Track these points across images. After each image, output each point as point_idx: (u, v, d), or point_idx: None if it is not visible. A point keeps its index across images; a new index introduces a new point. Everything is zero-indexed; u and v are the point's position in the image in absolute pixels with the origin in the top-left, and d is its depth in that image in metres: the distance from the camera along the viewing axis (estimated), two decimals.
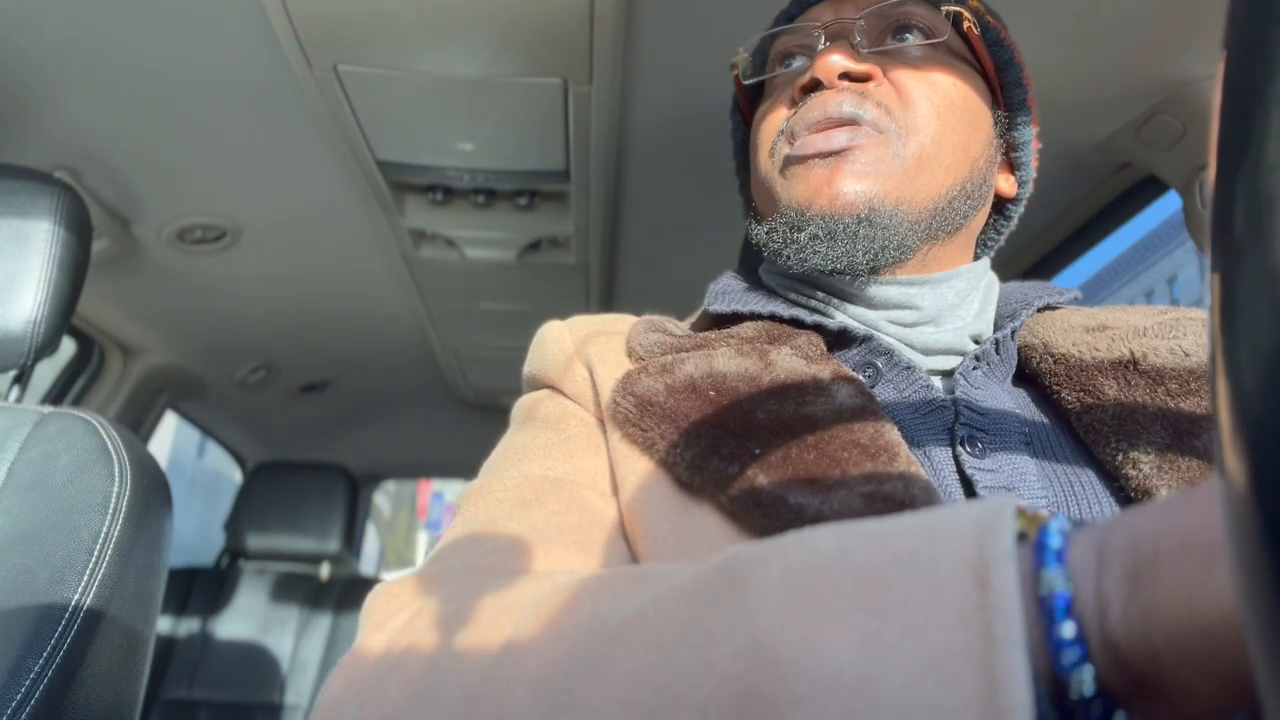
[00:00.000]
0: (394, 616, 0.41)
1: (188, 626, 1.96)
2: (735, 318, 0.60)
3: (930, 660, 0.22)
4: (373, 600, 0.44)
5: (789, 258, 0.56)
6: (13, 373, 0.85)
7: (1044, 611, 0.24)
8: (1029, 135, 0.63)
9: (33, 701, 0.63)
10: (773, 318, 0.58)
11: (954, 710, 0.21)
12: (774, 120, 0.60)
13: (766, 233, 0.58)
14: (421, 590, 0.43)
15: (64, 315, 0.84)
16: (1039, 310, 0.60)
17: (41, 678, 0.64)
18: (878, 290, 0.56)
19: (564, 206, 1.28)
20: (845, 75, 0.56)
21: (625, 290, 1.60)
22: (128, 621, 0.73)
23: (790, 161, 0.56)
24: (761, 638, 0.25)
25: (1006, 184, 0.63)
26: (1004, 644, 0.22)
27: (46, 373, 1.28)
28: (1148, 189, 1.11)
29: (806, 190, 0.55)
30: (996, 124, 0.60)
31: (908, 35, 0.58)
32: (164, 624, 1.94)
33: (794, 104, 0.58)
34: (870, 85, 0.56)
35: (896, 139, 0.54)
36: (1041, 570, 0.24)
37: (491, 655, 0.34)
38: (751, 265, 0.72)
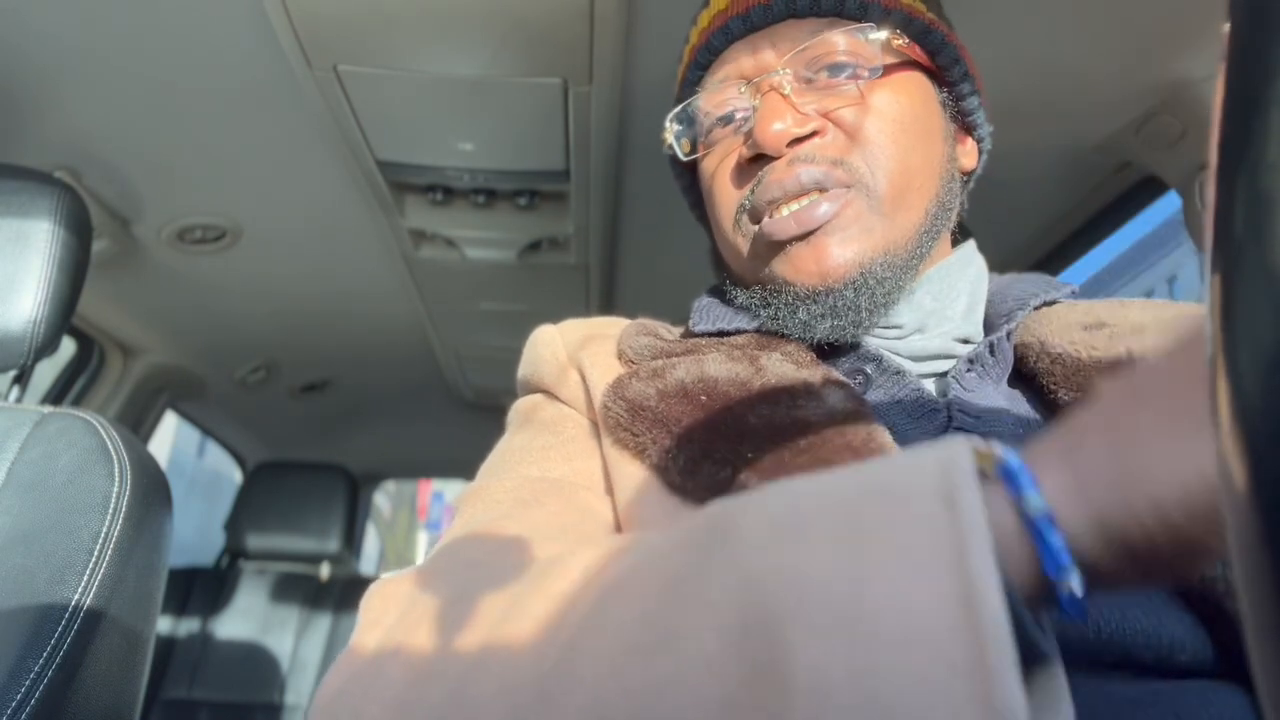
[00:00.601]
0: (390, 611, 0.41)
1: (188, 626, 1.96)
2: (721, 333, 0.60)
3: (911, 568, 0.25)
4: (369, 598, 0.44)
5: (790, 329, 0.55)
6: (13, 373, 0.85)
7: (1031, 528, 0.27)
8: (976, 101, 0.61)
9: (33, 702, 0.63)
10: (759, 332, 0.57)
11: (935, 609, 0.24)
12: (727, 193, 0.58)
13: (756, 302, 0.57)
14: (419, 585, 0.43)
15: (64, 315, 0.84)
16: (1036, 307, 0.59)
17: (41, 678, 0.64)
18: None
19: (564, 206, 1.28)
20: (793, 142, 0.54)
21: (625, 290, 1.60)
22: (128, 621, 0.73)
23: (765, 243, 0.55)
24: (753, 572, 0.28)
25: (967, 157, 0.62)
26: (974, 549, 0.25)
27: (46, 373, 1.28)
28: (1148, 189, 1.11)
29: (793, 272, 0.54)
30: (945, 108, 0.59)
31: (839, 71, 0.55)
32: (164, 624, 1.94)
33: (741, 171, 0.57)
34: (817, 140, 0.54)
35: (863, 186, 0.53)
36: (1022, 494, 0.28)
37: (493, 625, 0.35)
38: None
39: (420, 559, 0.50)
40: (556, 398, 0.59)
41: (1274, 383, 0.14)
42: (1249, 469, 0.15)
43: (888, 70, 0.55)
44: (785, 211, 0.53)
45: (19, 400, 0.87)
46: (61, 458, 0.75)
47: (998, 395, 0.54)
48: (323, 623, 1.99)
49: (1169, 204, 1.07)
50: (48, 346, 0.83)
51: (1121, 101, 0.97)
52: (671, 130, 0.62)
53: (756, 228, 0.55)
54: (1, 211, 0.82)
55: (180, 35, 0.92)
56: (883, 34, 0.55)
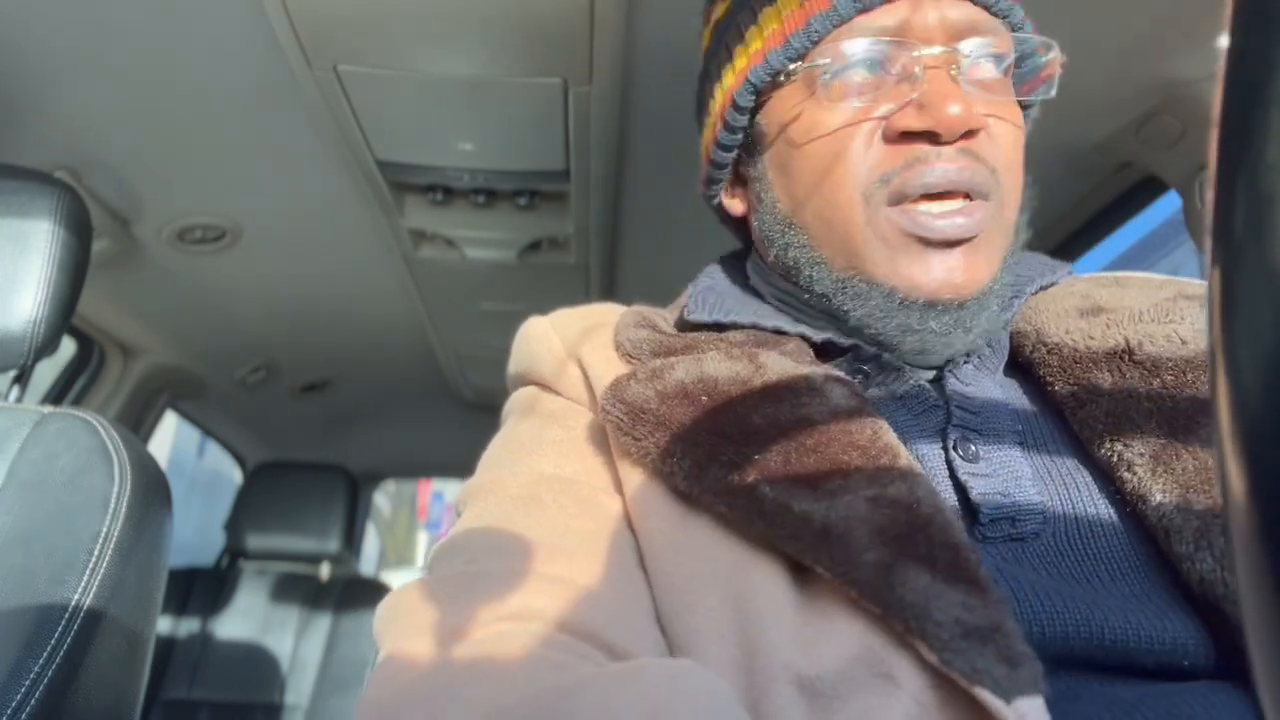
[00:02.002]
0: (425, 622, 0.41)
1: (188, 626, 1.96)
2: (718, 325, 0.57)
3: None
4: (395, 604, 0.44)
5: (882, 330, 0.52)
6: (13, 373, 0.85)
7: None
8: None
9: (33, 701, 0.63)
10: (755, 328, 0.56)
11: None
12: (858, 159, 0.51)
13: (846, 295, 0.52)
14: (429, 597, 0.43)
15: (64, 315, 0.84)
16: (1032, 293, 0.58)
17: (41, 678, 0.64)
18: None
19: (564, 206, 1.28)
20: (966, 134, 0.49)
21: (625, 290, 1.60)
22: (128, 621, 0.73)
23: (905, 233, 0.50)
24: None
25: None
26: None
27: (46, 373, 1.28)
28: (1148, 189, 1.11)
29: (926, 278, 0.50)
30: None
31: (1000, 63, 0.52)
32: (164, 624, 1.94)
33: (883, 140, 0.51)
34: (982, 137, 0.50)
35: (996, 205, 0.50)
36: None
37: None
38: (734, 254, 0.69)
39: (420, 560, 0.49)
40: (556, 392, 0.58)
41: (1274, 381, 0.14)
42: (1249, 468, 0.15)
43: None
44: (937, 208, 0.49)
45: (19, 400, 0.87)
46: (61, 458, 0.75)
47: (994, 388, 0.53)
48: (323, 623, 1.99)
49: (1169, 204, 1.07)
50: (48, 346, 0.83)
51: (1121, 101, 0.97)
52: (819, 61, 0.52)
53: (897, 209, 0.50)
54: (1, 211, 0.82)
55: (180, 35, 0.92)
56: (1048, 55, 0.53)
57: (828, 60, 0.52)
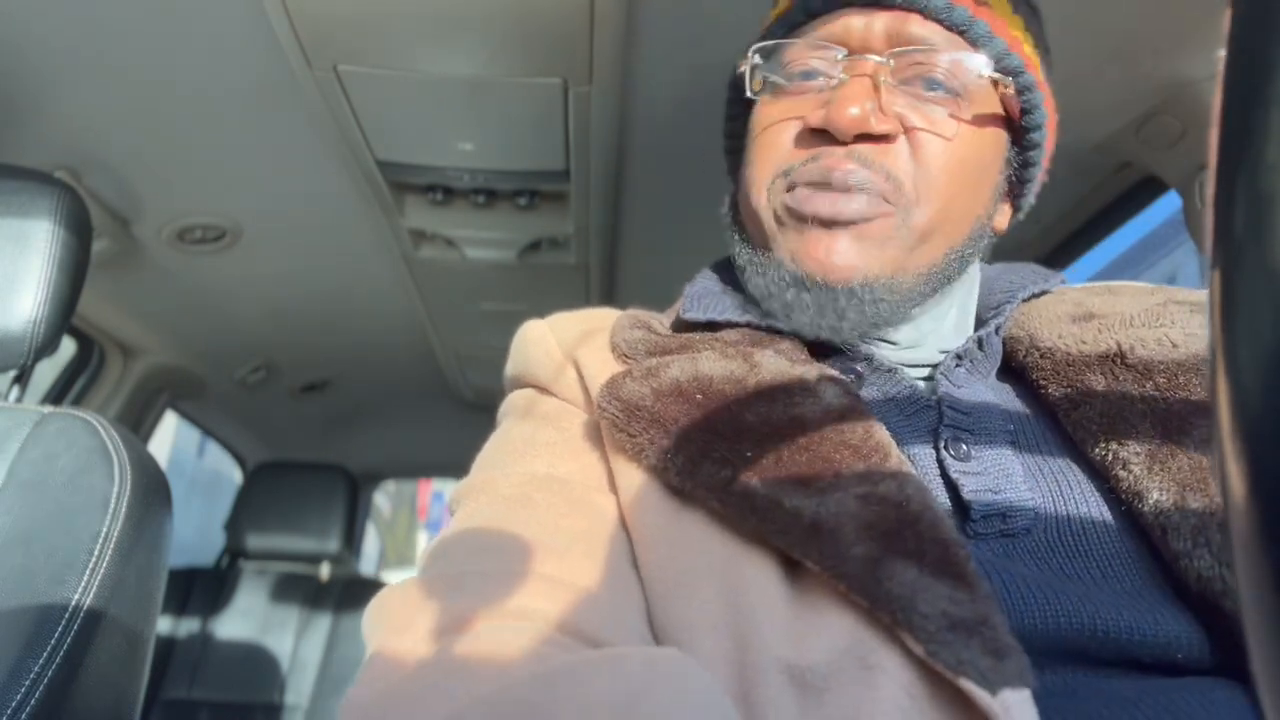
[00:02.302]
0: (413, 621, 0.41)
1: (188, 626, 1.96)
2: (712, 324, 0.58)
3: None
4: (384, 603, 0.44)
5: (774, 309, 0.54)
6: (13, 373, 0.85)
7: None
8: (1037, 173, 0.60)
9: (33, 701, 0.63)
10: (750, 326, 0.56)
11: None
12: (775, 150, 0.55)
13: (757, 265, 0.56)
14: (422, 595, 0.43)
15: (64, 315, 0.84)
16: (1024, 299, 0.59)
17: (41, 678, 0.64)
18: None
19: (564, 206, 1.28)
20: (863, 136, 0.51)
21: (625, 290, 1.60)
22: (128, 621, 0.73)
23: (789, 212, 0.53)
24: None
25: (1002, 218, 0.60)
26: None
27: (46, 373, 1.28)
28: (1148, 189, 1.11)
29: (801, 252, 0.53)
30: (1007, 165, 0.57)
31: (935, 88, 0.52)
32: (164, 624, 1.94)
33: (799, 136, 0.54)
34: (885, 145, 0.52)
35: (903, 212, 0.51)
36: None
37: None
38: (730, 257, 0.70)
39: (420, 560, 0.49)
40: (552, 394, 0.58)
41: (1274, 382, 0.14)
42: (1249, 468, 0.15)
43: (977, 116, 0.53)
44: (819, 193, 0.52)
45: (19, 400, 0.87)
46: (61, 458, 0.75)
47: (987, 391, 0.54)
48: (323, 623, 1.99)
49: (1169, 204, 1.07)
50: (48, 346, 0.83)
51: (1121, 101, 0.97)
52: (751, 61, 0.57)
53: (788, 194, 0.53)
54: (1, 211, 0.82)
55: (180, 35, 0.92)
56: (988, 72, 0.52)
57: (770, 63, 0.57)
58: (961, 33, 0.53)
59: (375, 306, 1.71)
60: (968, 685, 0.34)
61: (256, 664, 1.93)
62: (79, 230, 0.85)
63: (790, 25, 0.56)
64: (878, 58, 0.52)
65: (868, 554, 0.39)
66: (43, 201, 0.83)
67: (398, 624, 0.42)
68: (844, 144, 0.51)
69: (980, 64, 0.52)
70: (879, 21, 0.53)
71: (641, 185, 1.25)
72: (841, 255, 0.51)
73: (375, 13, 0.85)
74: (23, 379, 0.86)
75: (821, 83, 0.54)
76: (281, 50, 0.92)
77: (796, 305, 0.53)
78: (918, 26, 0.52)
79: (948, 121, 0.52)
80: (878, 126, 0.51)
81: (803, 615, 0.40)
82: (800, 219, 0.52)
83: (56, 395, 1.64)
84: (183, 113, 1.06)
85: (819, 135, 0.53)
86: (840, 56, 0.53)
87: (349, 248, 1.45)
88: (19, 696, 0.63)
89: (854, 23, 0.53)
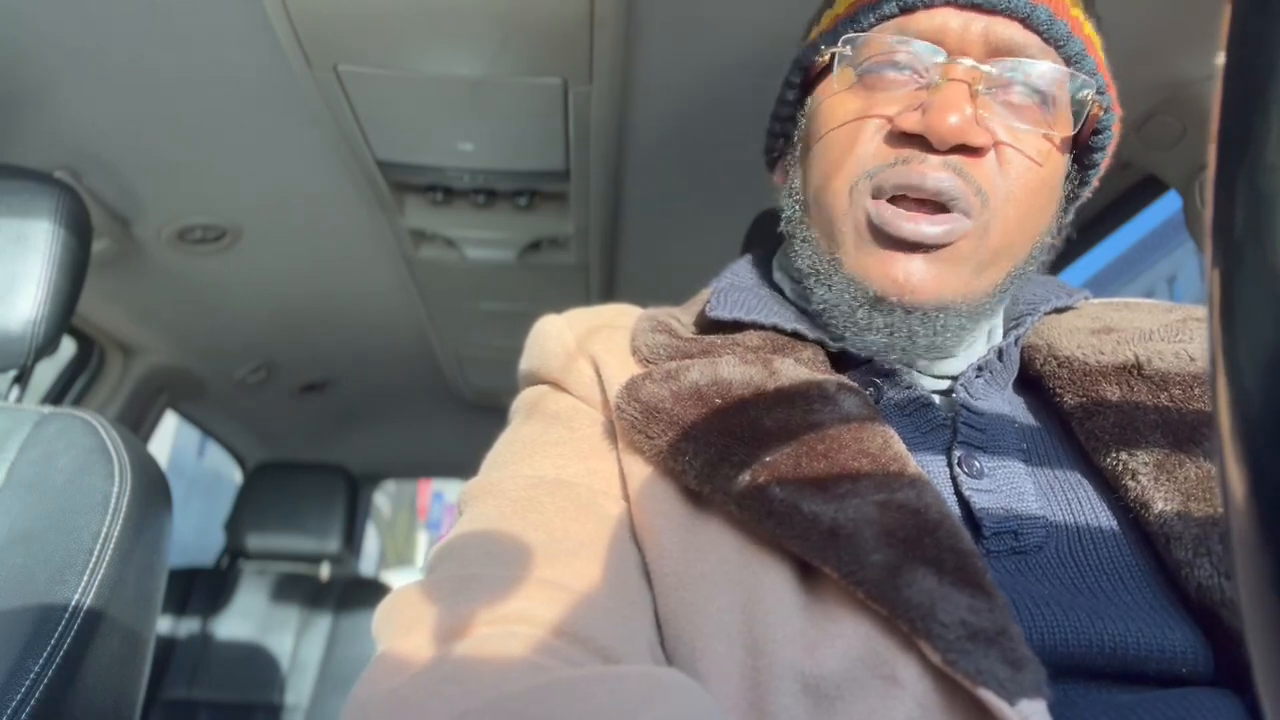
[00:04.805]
0: (419, 623, 0.41)
1: (188, 626, 1.96)
2: (737, 324, 0.57)
3: None
4: (392, 604, 0.44)
5: (837, 324, 0.53)
6: (13, 373, 0.85)
7: None
8: (1087, 192, 0.59)
9: (33, 702, 0.63)
10: (775, 329, 0.55)
11: None
12: (859, 148, 0.51)
13: (819, 279, 0.53)
14: (436, 597, 0.43)
15: (64, 315, 0.84)
16: (1046, 313, 0.58)
17: (41, 678, 0.64)
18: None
19: (564, 206, 1.28)
20: (959, 146, 0.49)
21: (625, 290, 1.60)
22: (128, 621, 0.73)
23: (870, 227, 0.50)
24: None
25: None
26: None
27: (46, 373, 1.28)
28: (1148, 189, 1.11)
29: (878, 271, 0.50)
30: (1068, 181, 0.56)
31: (1030, 104, 0.51)
32: (164, 624, 1.94)
33: (884, 135, 0.51)
34: (978, 159, 0.49)
35: (982, 230, 0.50)
36: None
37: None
38: (761, 251, 0.68)
39: (420, 560, 0.49)
40: (565, 389, 0.57)
41: (1274, 383, 0.14)
42: (1249, 469, 0.15)
43: (1063, 137, 0.52)
44: (906, 212, 0.49)
45: (19, 400, 0.87)
46: (61, 458, 0.75)
47: (1003, 403, 0.54)
48: (323, 623, 1.99)
49: (1169, 204, 1.07)
50: (48, 346, 0.83)
51: (1121, 101, 0.97)
52: (841, 49, 0.53)
53: (873, 203, 0.50)
54: (1, 211, 0.82)
55: (180, 35, 0.92)
56: (1089, 94, 0.51)
57: (856, 52, 0.52)
58: (1059, 47, 0.51)
59: (375, 306, 1.71)
60: (986, 695, 0.34)
61: (256, 664, 1.93)
62: (79, 230, 0.85)
63: (881, 16, 0.53)
64: (977, 63, 0.50)
65: (887, 561, 0.39)
66: (43, 201, 0.83)
67: (403, 626, 0.42)
68: (938, 152, 0.49)
69: (1081, 84, 0.51)
70: (977, 23, 0.50)
71: (641, 185, 1.25)
72: (920, 277, 0.49)
73: (375, 13, 0.85)
74: (23, 379, 0.86)
75: (910, 79, 0.51)
76: (281, 50, 0.92)
77: (869, 327, 0.51)
78: (1017, 33, 0.50)
79: (1035, 139, 0.51)
80: (975, 138, 0.48)
81: (817, 623, 0.40)
82: (882, 236, 0.50)
83: (56, 395, 1.64)
84: (183, 113, 1.06)
85: (908, 138, 0.50)
86: (941, 59, 0.50)
87: (349, 248, 1.45)
88: (19, 696, 0.63)
89: (952, 22, 0.50)
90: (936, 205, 0.49)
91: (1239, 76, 0.16)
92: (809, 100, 0.58)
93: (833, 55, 0.54)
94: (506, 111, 1.03)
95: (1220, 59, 0.16)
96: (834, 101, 0.54)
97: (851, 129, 0.52)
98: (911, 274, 0.49)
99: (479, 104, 1.02)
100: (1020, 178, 0.50)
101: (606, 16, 0.85)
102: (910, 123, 0.49)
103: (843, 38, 0.53)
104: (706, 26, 0.90)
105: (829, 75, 0.55)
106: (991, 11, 0.50)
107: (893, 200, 0.50)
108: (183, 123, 1.08)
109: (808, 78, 0.58)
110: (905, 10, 0.52)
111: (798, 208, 0.57)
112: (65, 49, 0.93)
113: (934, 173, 0.48)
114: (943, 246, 0.49)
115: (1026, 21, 0.50)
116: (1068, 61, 0.52)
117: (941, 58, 0.50)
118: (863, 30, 0.53)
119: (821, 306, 0.54)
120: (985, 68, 0.50)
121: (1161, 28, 0.86)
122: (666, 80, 1.00)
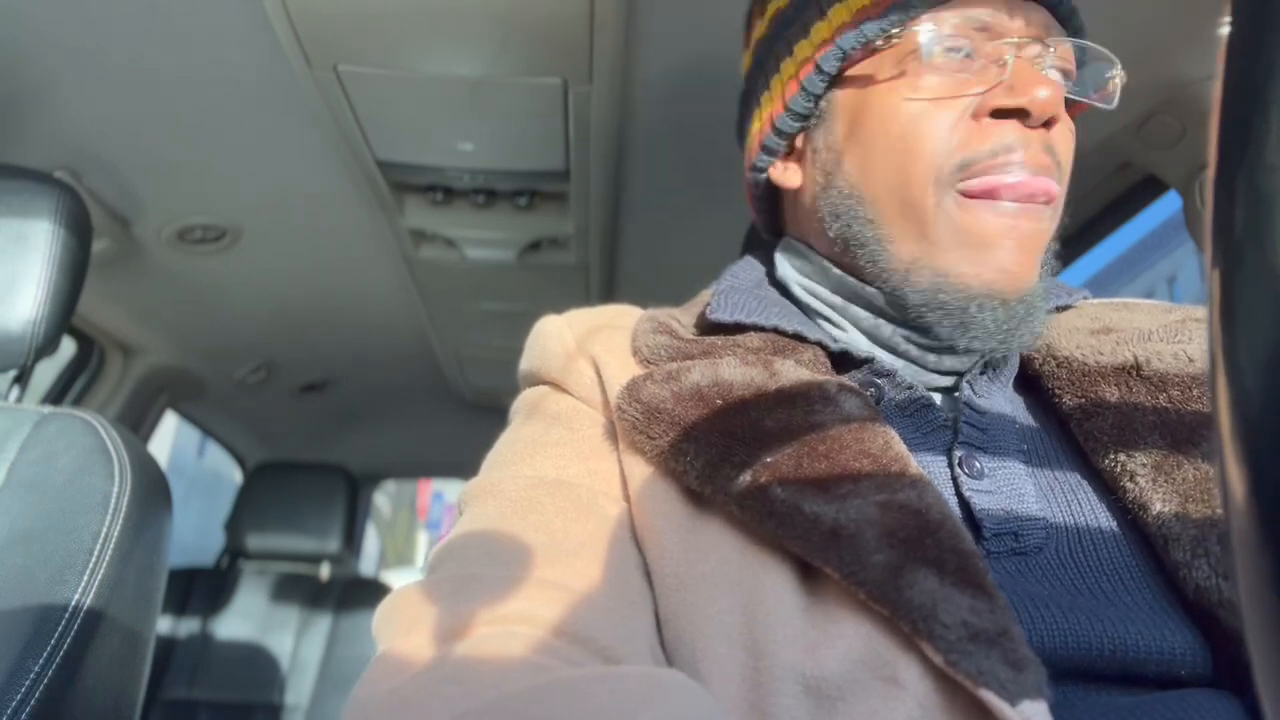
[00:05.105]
0: (419, 623, 0.41)
1: (188, 626, 1.96)
2: (738, 326, 0.56)
3: None
4: (392, 604, 0.44)
5: (933, 324, 0.51)
6: (12, 373, 0.85)
7: None
8: None
9: (33, 702, 0.63)
10: (776, 331, 0.55)
11: None
12: (946, 134, 0.50)
13: (898, 277, 0.51)
14: (436, 597, 0.43)
15: (64, 315, 0.84)
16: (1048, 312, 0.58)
17: (41, 678, 0.64)
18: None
19: (564, 206, 1.28)
20: (1048, 121, 0.49)
21: (625, 290, 1.60)
22: (128, 621, 0.73)
23: (972, 219, 0.49)
24: None
25: None
26: None
27: (46, 373, 1.28)
28: (1148, 189, 1.11)
29: (987, 269, 0.49)
30: None
31: (1073, 75, 0.53)
32: (164, 624, 1.94)
33: (964, 122, 0.50)
34: (1053, 133, 0.50)
35: (1056, 209, 0.51)
36: None
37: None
38: (762, 252, 0.67)
39: (420, 560, 0.49)
40: (565, 390, 0.57)
41: (1274, 383, 0.14)
42: (1249, 469, 0.15)
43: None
44: (1009, 206, 0.49)
45: (19, 400, 0.87)
46: (61, 458, 0.75)
47: (1004, 403, 0.54)
48: (323, 623, 1.99)
49: (1169, 204, 1.07)
50: (48, 346, 0.83)
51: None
52: (924, 30, 0.51)
53: (968, 198, 0.49)
54: (1, 211, 0.82)
55: (180, 35, 0.92)
56: (1118, 79, 0.53)
57: (926, 32, 0.51)
58: (1075, 31, 0.54)
59: (375, 306, 1.71)
60: (988, 696, 0.34)
61: (256, 664, 1.93)
62: (79, 230, 0.85)
63: (910, 11, 0.52)
64: (1043, 42, 0.51)
65: (888, 562, 0.39)
66: (43, 201, 0.83)
67: (403, 627, 0.42)
68: (1031, 129, 0.49)
69: (1113, 71, 0.53)
70: (1020, 9, 0.51)
71: (641, 185, 1.25)
72: (1022, 267, 0.49)
73: (375, 13, 0.85)
74: (23, 379, 0.86)
75: (971, 63, 0.51)
76: (281, 50, 0.92)
77: (974, 323, 0.50)
78: (1046, 18, 0.52)
79: (1068, 110, 0.52)
80: (1061, 110, 0.49)
81: (818, 624, 0.40)
82: (989, 232, 0.49)
83: (56, 395, 1.64)
84: (183, 113, 1.06)
85: (999, 116, 0.49)
86: (1010, 41, 0.50)
87: (349, 248, 1.45)
88: (19, 696, 0.63)
89: (1001, 9, 0.51)
90: (1035, 198, 0.49)
91: (1239, 77, 0.16)
92: (838, 88, 0.55)
93: (888, 38, 0.52)
94: (506, 111, 1.03)
95: (1220, 57, 0.16)
96: (897, 84, 0.52)
97: (927, 111, 0.50)
98: (1012, 264, 0.49)
99: (479, 104, 1.02)
100: (1069, 150, 0.52)
101: (606, 16, 0.85)
102: (1002, 98, 0.49)
103: (921, 18, 0.51)
104: (706, 27, 0.90)
105: (873, 58, 0.53)
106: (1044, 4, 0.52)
107: (991, 195, 0.49)
108: (183, 123, 1.08)
109: (838, 65, 0.55)
110: None
111: (849, 202, 0.54)
112: (65, 49, 0.93)
113: (1034, 163, 0.49)
114: (1044, 235, 0.50)
115: (1056, 12, 0.53)
116: (1076, 34, 0.54)
117: (1009, 39, 0.50)
118: (916, 11, 0.51)
119: (916, 306, 0.51)
120: (1048, 45, 0.51)
121: (1161, 28, 0.86)
122: (666, 80, 1.00)
